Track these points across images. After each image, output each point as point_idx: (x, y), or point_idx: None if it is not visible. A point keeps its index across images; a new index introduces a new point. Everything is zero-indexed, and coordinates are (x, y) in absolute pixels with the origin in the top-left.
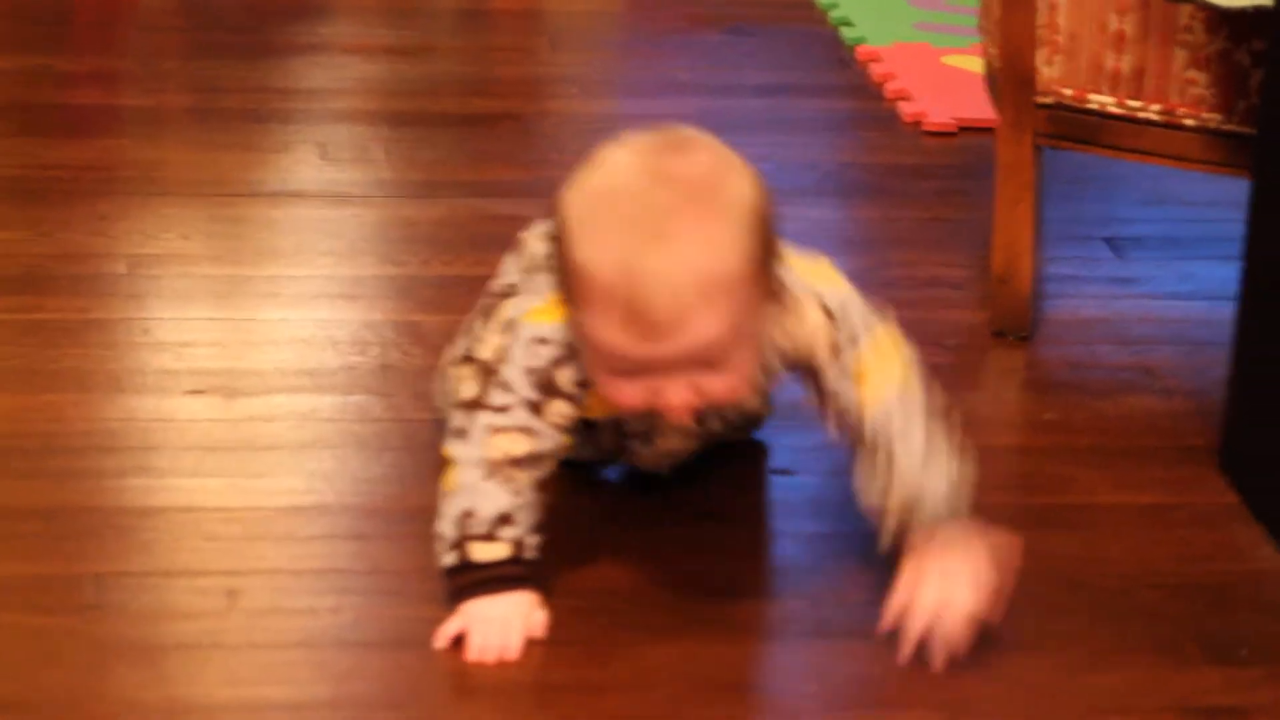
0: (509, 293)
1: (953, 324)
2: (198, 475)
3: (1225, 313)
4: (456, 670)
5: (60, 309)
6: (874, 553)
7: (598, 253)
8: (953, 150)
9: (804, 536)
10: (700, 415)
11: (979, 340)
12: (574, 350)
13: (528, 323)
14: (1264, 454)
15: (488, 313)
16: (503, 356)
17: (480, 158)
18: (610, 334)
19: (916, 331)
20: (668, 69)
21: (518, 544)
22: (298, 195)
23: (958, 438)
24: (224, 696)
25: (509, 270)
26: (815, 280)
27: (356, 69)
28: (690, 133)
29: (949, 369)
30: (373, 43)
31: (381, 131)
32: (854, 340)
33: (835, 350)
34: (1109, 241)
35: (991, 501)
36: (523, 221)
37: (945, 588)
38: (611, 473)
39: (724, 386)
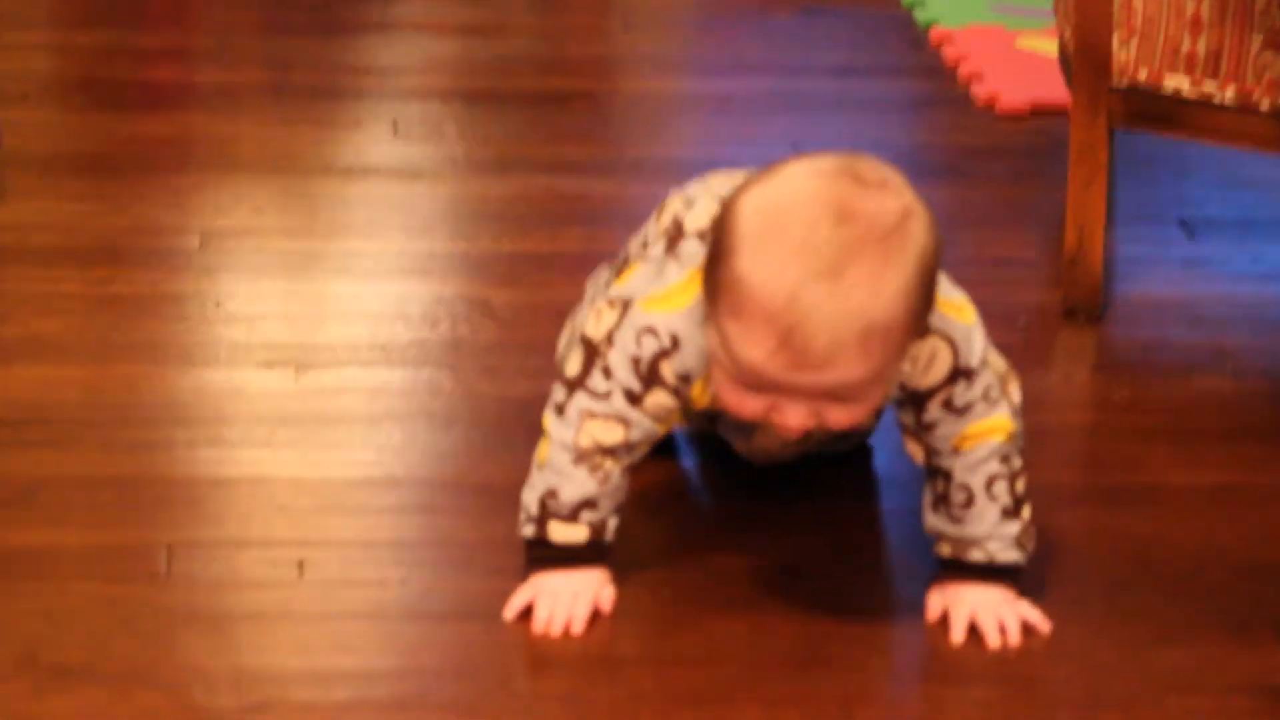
0: (638, 256)
1: (1024, 303)
2: (269, 447)
3: None
4: (524, 642)
5: (133, 282)
6: None
7: (766, 274)
8: (1025, 132)
9: (873, 512)
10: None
11: (1050, 320)
12: (679, 342)
13: (641, 310)
14: None
15: (619, 271)
16: (610, 339)
17: (552, 135)
18: (756, 354)
19: (988, 311)
20: (740, 49)
21: (597, 528)
22: (370, 171)
23: (1028, 528)
24: (293, 665)
25: (649, 230)
26: (954, 325)
27: (428, 46)
28: (878, 167)
29: (1020, 348)
30: (444, 21)
31: (453, 108)
32: (970, 407)
33: (950, 408)
34: (1181, 223)
35: (1061, 480)
36: (594, 199)
37: (987, 600)
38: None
39: (847, 417)
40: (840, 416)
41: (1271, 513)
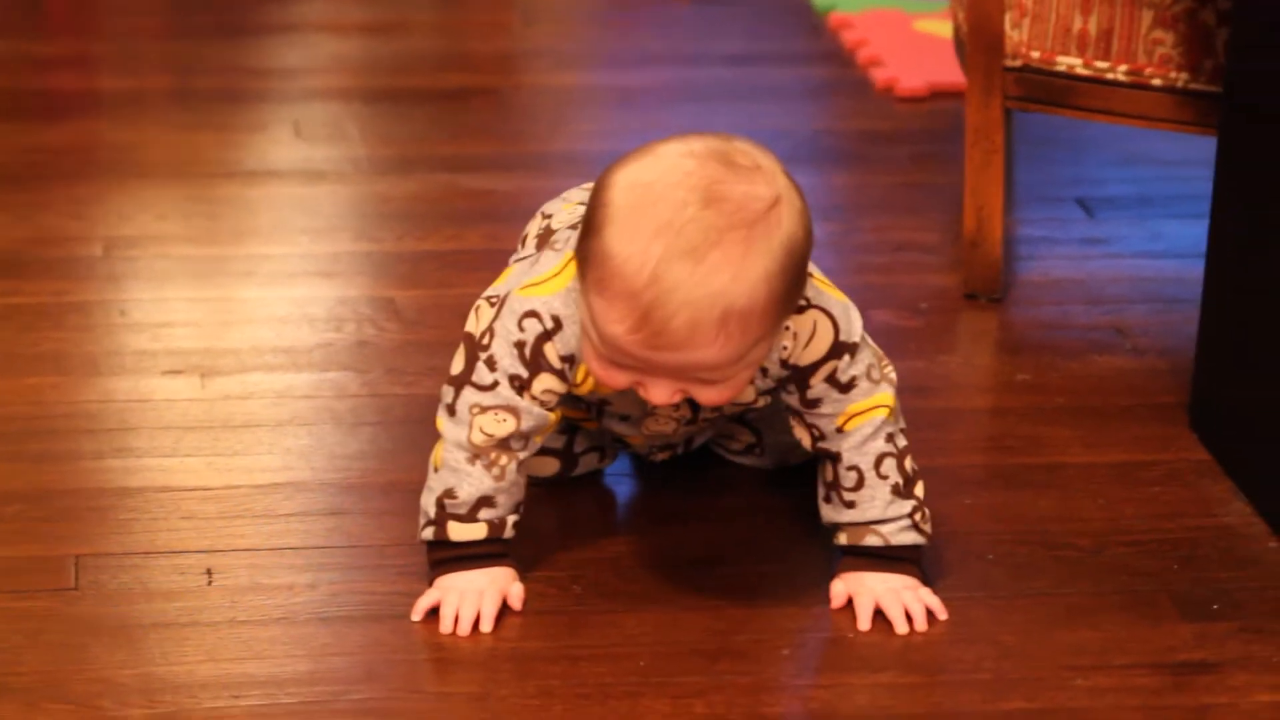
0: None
1: (925, 287)
2: (175, 455)
3: (1196, 271)
4: (433, 643)
5: (37, 292)
6: None
7: (630, 250)
8: (925, 115)
9: (778, 504)
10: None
11: (951, 303)
12: (561, 323)
13: (519, 296)
14: (1233, 411)
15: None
16: (491, 331)
17: (454, 133)
18: (616, 329)
19: (889, 295)
20: (640, 40)
21: (495, 525)
22: (273, 174)
23: (922, 507)
24: (203, 674)
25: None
26: (831, 300)
27: (330, 47)
28: (751, 152)
29: (921, 332)
30: (345, 20)
31: (355, 108)
32: (854, 382)
33: (834, 384)
34: (1080, 202)
35: (964, 462)
36: (498, 196)
37: (888, 585)
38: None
39: (712, 397)
40: (708, 395)
41: (1172, 490)
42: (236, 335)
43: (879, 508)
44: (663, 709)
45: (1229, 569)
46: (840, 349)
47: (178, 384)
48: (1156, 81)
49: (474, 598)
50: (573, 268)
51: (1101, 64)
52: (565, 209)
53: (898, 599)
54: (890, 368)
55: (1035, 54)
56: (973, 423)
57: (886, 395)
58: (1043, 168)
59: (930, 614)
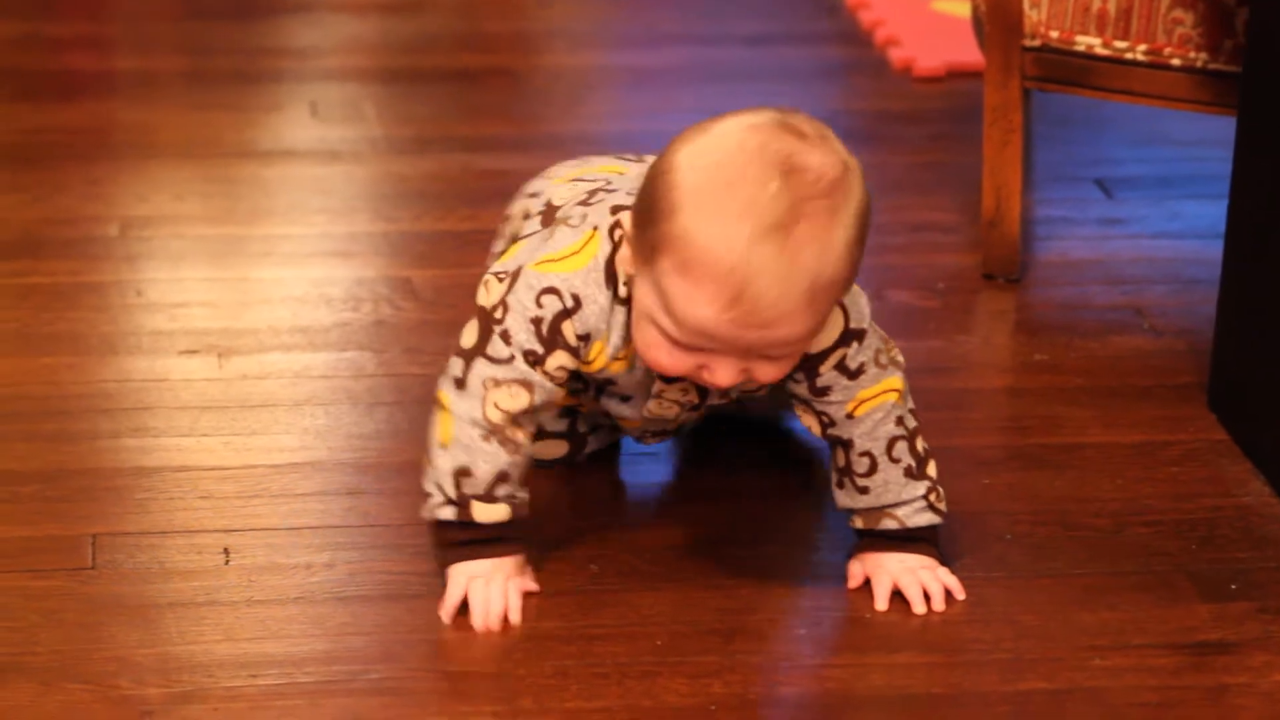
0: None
1: (943, 267)
2: (193, 435)
3: (1215, 251)
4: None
5: (54, 272)
6: None
7: (716, 231)
8: (942, 95)
9: (794, 482)
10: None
11: (970, 283)
12: (581, 301)
13: (535, 271)
14: (1251, 391)
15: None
16: (505, 304)
17: (470, 113)
18: (705, 312)
19: (907, 276)
20: (656, 20)
21: (516, 505)
22: (290, 154)
23: (937, 487)
24: (221, 653)
25: (496, 248)
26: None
27: (346, 27)
28: (811, 121)
29: (940, 312)
30: (361, 0)
31: (372, 89)
32: (863, 369)
33: (844, 371)
34: (1099, 182)
35: (982, 443)
36: (515, 176)
37: (906, 565)
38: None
39: (775, 373)
40: (768, 372)
41: (1190, 469)
42: (253, 315)
43: (894, 491)
44: (680, 688)
45: (1247, 549)
46: (849, 336)
47: (194, 364)
48: (1176, 61)
49: (499, 587)
50: (595, 246)
51: (1120, 44)
52: (557, 184)
53: (915, 579)
54: (896, 350)
55: (1054, 33)
56: (991, 403)
57: (895, 379)
58: (1061, 148)
59: (948, 594)
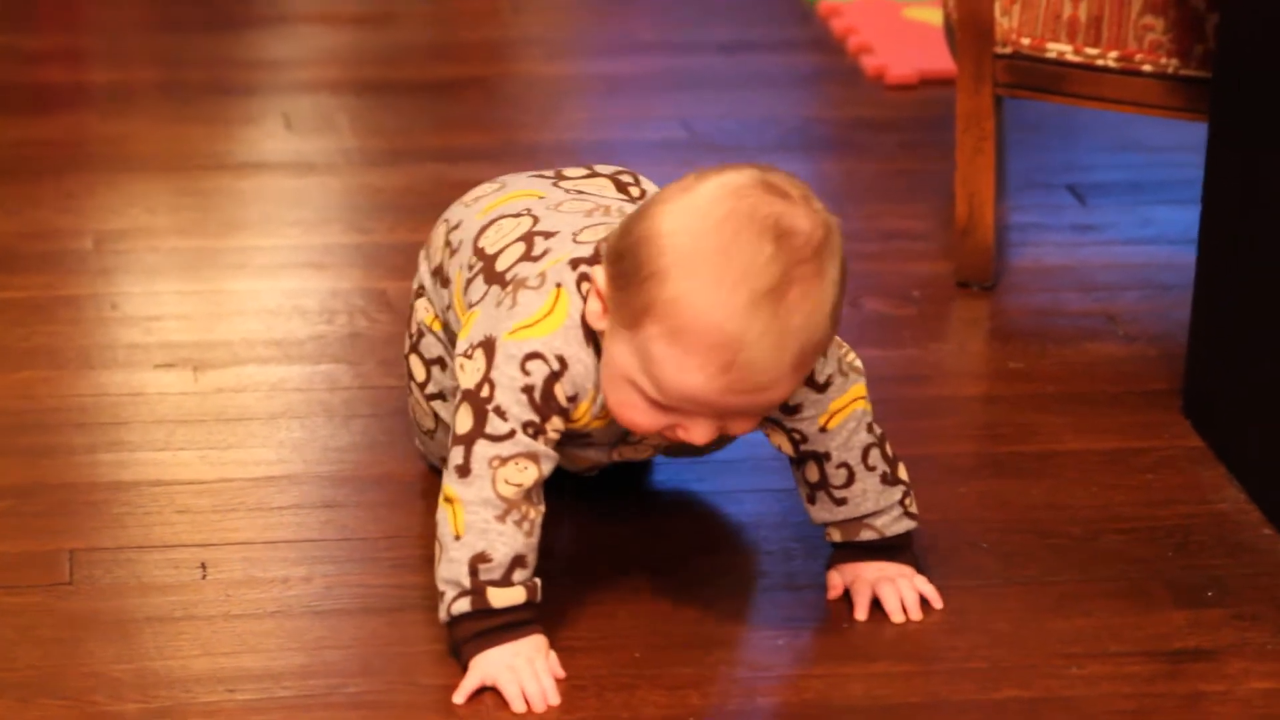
0: (419, 291)
1: (917, 275)
2: (168, 449)
3: (1188, 257)
4: (429, 635)
5: (28, 286)
6: None
7: (709, 298)
8: (915, 103)
9: (771, 492)
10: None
11: (943, 291)
12: (566, 362)
13: (513, 341)
14: (1225, 397)
15: (409, 318)
16: (490, 381)
17: (444, 123)
18: (693, 379)
19: (880, 284)
20: (629, 29)
21: (530, 588)
22: (263, 166)
23: (909, 493)
24: (198, 668)
25: (420, 267)
26: None
27: (319, 39)
28: (788, 177)
29: (914, 320)
30: (335, 12)
31: (345, 100)
32: (830, 381)
33: (812, 386)
34: (1071, 189)
35: (957, 450)
36: None
37: (884, 573)
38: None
39: (746, 427)
40: (742, 427)
41: (1165, 476)
42: (228, 328)
43: (872, 499)
44: (658, 700)
45: (1222, 555)
46: None
47: (170, 377)
48: (1147, 67)
49: (529, 671)
50: (565, 304)
51: (1092, 50)
52: (479, 216)
53: (894, 589)
54: (853, 354)
55: (1025, 41)
56: (965, 410)
57: (859, 386)
58: (1034, 154)
59: (925, 603)
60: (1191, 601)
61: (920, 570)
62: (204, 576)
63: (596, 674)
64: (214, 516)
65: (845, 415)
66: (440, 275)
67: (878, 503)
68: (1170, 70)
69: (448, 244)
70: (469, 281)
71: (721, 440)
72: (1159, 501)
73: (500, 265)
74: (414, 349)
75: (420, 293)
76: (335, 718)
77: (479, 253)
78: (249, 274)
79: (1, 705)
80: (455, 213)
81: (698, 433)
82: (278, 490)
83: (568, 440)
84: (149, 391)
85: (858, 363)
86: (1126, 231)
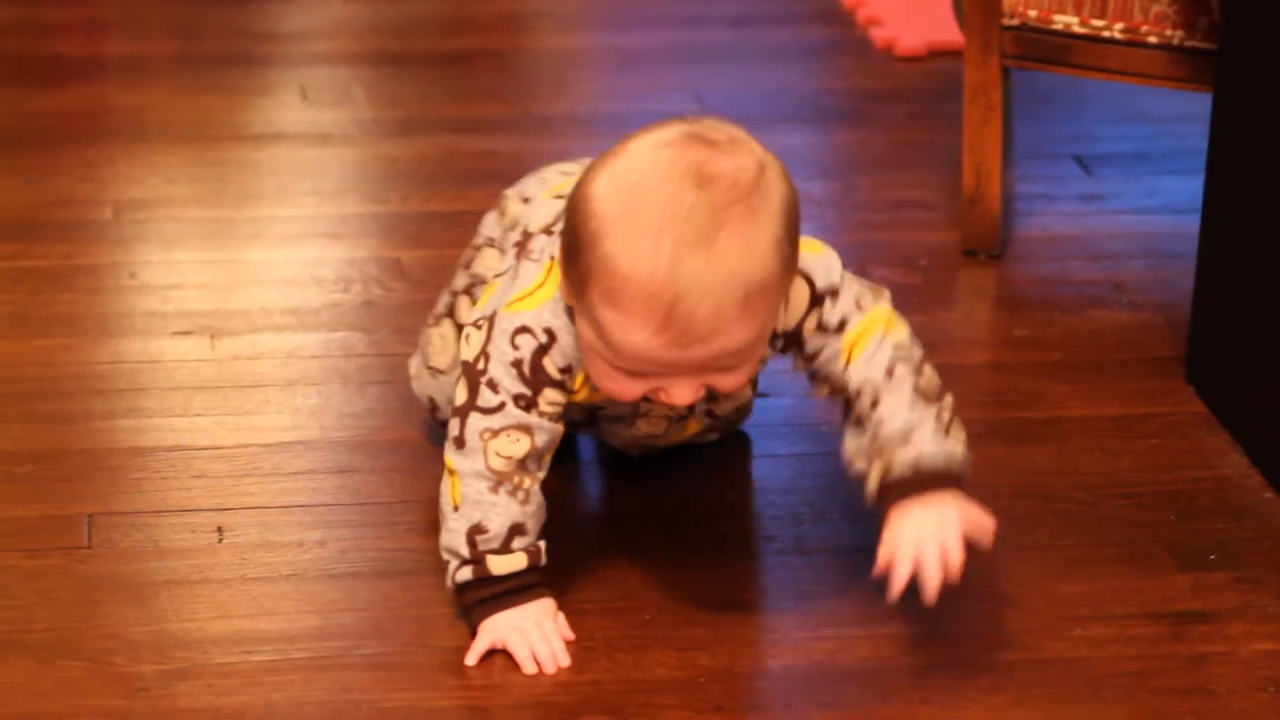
0: (489, 244)
1: (925, 244)
2: (186, 415)
3: (1193, 226)
4: (442, 598)
5: (48, 255)
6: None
7: (637, 254)
8: (923, 74)
9: (781, 457)
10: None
11: (950, 260)
12: (554, 335)
13: (507, 314)
14: (1228, 364)
15: (468, 264)
16: (485, 354)
17: (458, 94)
18: (638, 338)
19: (889, 252)
20: (639, 3)
21: (532, 553)
22: (280, 137)
23: (952, 414)
24: (215, 630)
25: (489, 227)
26: (804, 258)
27: (335, 11)
28: (721, 125)
29: (921, 288)
30: None
31: (361, 72)
32: (845, 321)
33: (824, 330)
34: (1078, 159)
35: (964, 416)
36: (502, 157)
37: (927, 531)
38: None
39: (734, 381)
40: (727, 382)
41: (1169, 442)
42: (245, 296)
43: (901, 420)
44: (668, 661)
45: (1225, 520)
46: (818, 297)
47: (187, 345)
48: (1152, 39)
49: (538, 634)
50: (556, 276)
51: (1098, 22)
52: (545, 196)
53: (936, 552)
54: (885, 293)
55: (1032, 13)
56: (972, 378)
57: (877, 310)
58: (1041, 125)
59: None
60: (1194, 565)
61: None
62: (220, 540)
63: (607, 635)
64: (230, 481)
65: (864, 340)
66: (499, 244)
67: (909, 422)
68: (1175, 42)
69: (512, 218)
70: (504, 253)
71: (730, 408)
72: (1163, 467)
73: (530, 243)
74: (449, 313)
75: (491, 244)
76: (350, 679)
77: (524, 230)
78: (265, 243)
79: (22, 665)
80: (529, 186)
81: (679, 393)
82: (293, 455)
83: (591, 419)
84: (167, 359)
85: (886, 296)
86: (1132, 201)
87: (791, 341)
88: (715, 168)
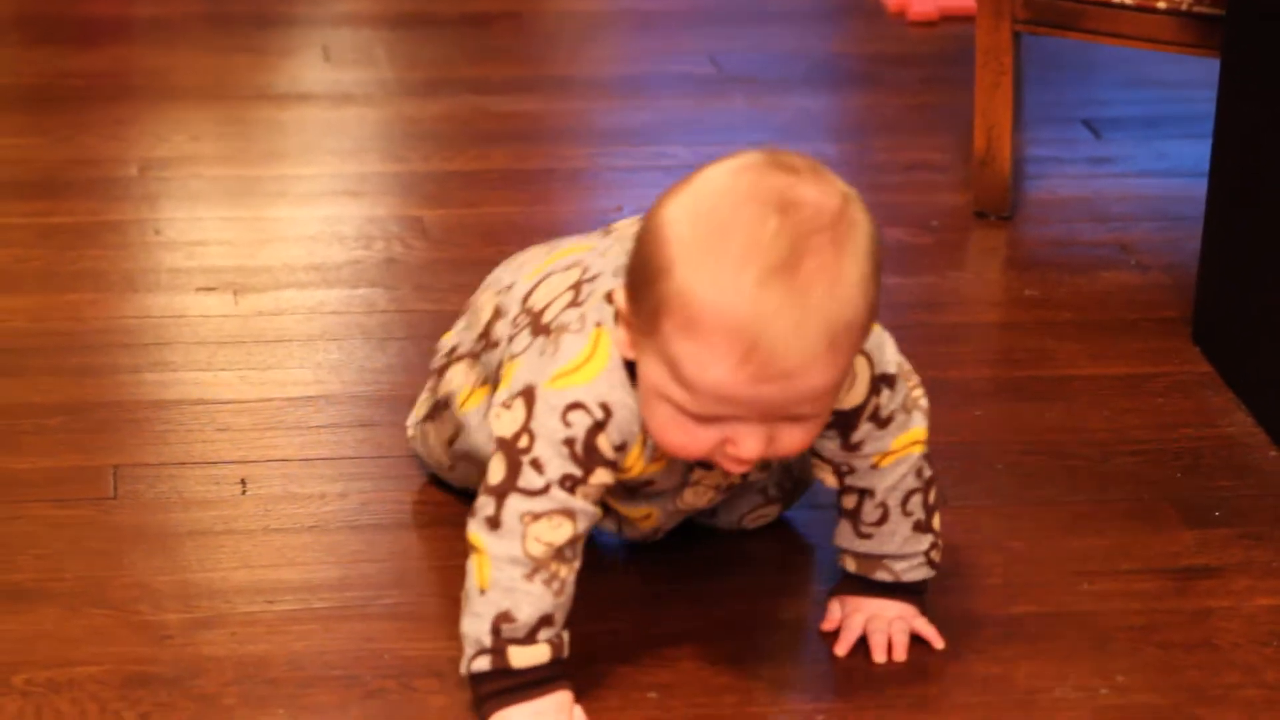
0: (454, 360)
1: (936, 206)
2: (210, 369)
3: (1200, 189)
4: (460, 550)
5: (75, 212)
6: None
7: (718, 282)
8: (936, 39)
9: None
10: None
11: (962, 221)
12: (610, 410)
13: (553, 390)
14: (1234, 324)
15: (433, 389)
16: (529, 432)
17: (479, 55)
18: (718, 371)
19: (901, 214)
20: None
21: (556, 645)
22: (303, 97)
23: (935, 540)
24: (238, 580)
25: (450, 341)
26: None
27: None
28: (799, 155)
29: (933, 249)
30: None
31: (383, 32)
32: (892, 419)
33: (876, 421)
34: (1087, 123)
35: (974, 375)
36: (522, 117)
37: (887, 613)
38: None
39: (800, 439)
40: (795, 437)
41: (1175, 401)
42: (268, 253)
43: (896, 543)
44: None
45: (1230, 477)
46: (878, 383)
47: (211, 300)
48: (1162, 4)
49: None
50: (605, 344)
51: None
52: (529, 278)
53: (885, 629)
54: (920, 390)
55: None
56: (982, 337)
57: (919, 430)
58: (1051, 89)
59: (924, 642)
60: (1200, 521)
61: (924, 611)
62: (244, 492)
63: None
64: (253, 434)
65: (899, 457)
66: (487, 338)
67: (901, 548)
68: (1184, 7)
69: (496, 310)
70: (512, 337)
71: (777, 475)
72: (1170, 425)
73: (546, 317)
74: (430, 418)
75: (453, 359)
76: (370, 628)
77: (527, 311)
78: (289, 201)
79: (50, 613)
80: (504, 276)
81: (747, 445)
82: (315, 409)
83: (631, 493)
84: (191, 314)
85: (923, 401)
86: (1140, 164)
87: (842, 424)
88: (798, 194)
